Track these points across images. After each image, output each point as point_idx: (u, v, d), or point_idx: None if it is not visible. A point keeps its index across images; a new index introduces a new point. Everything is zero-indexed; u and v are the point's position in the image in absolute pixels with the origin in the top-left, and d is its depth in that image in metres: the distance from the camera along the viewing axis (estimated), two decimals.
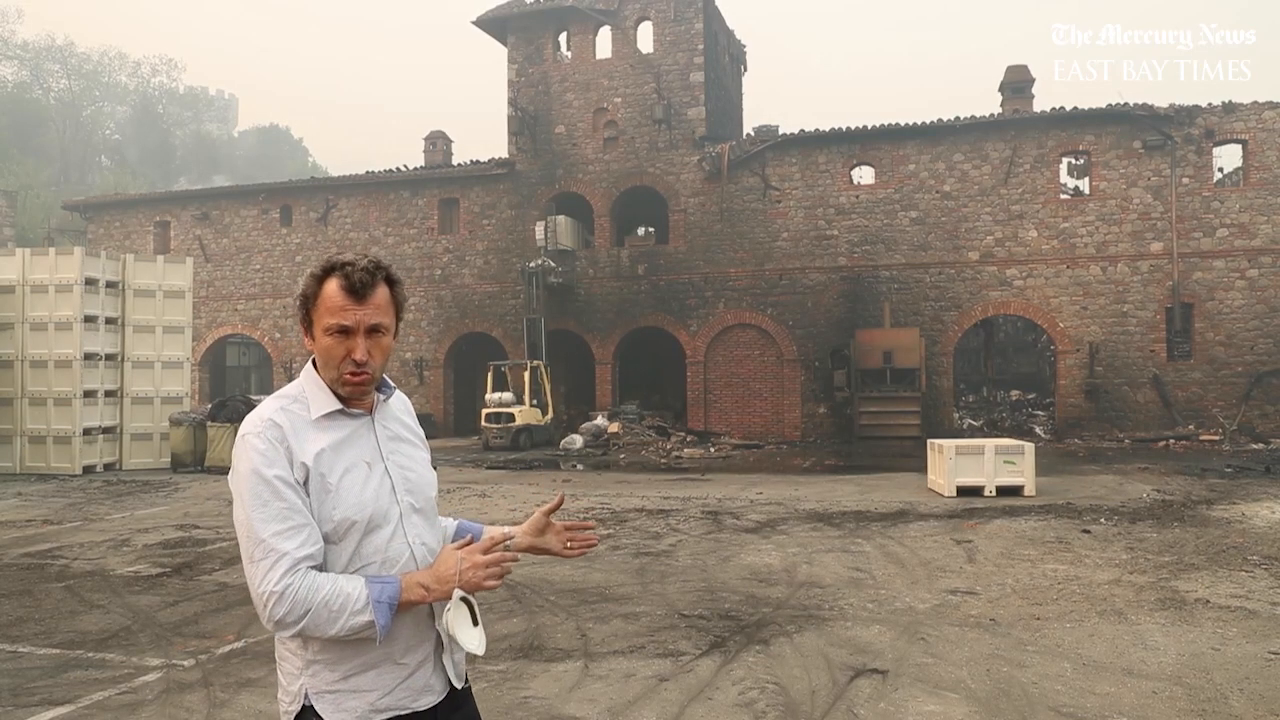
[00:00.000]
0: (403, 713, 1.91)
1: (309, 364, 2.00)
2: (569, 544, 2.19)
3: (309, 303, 1.91)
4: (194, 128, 63.88)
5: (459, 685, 2.02)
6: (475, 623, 1.90)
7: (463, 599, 1.88)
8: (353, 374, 1.90)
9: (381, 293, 1.91)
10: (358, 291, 1.88)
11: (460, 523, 2.25)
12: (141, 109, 57.94)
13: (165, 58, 69.79)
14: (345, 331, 1.88)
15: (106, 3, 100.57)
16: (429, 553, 1.98)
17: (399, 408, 2.11)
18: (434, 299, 25.44)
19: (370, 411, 2.00)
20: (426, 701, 1.94)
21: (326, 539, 1.86)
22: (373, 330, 1.90)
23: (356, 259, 1.91)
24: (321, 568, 1.84)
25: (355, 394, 1.94)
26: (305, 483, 1.85)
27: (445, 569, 1.88)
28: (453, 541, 2.09)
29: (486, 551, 1.93)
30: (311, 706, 1.87)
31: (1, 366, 17.09)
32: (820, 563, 7.96)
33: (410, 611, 1.90)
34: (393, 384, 2.09)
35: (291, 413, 1.91)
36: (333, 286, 1.88)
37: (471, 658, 2.03)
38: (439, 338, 25.46)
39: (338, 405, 1.93)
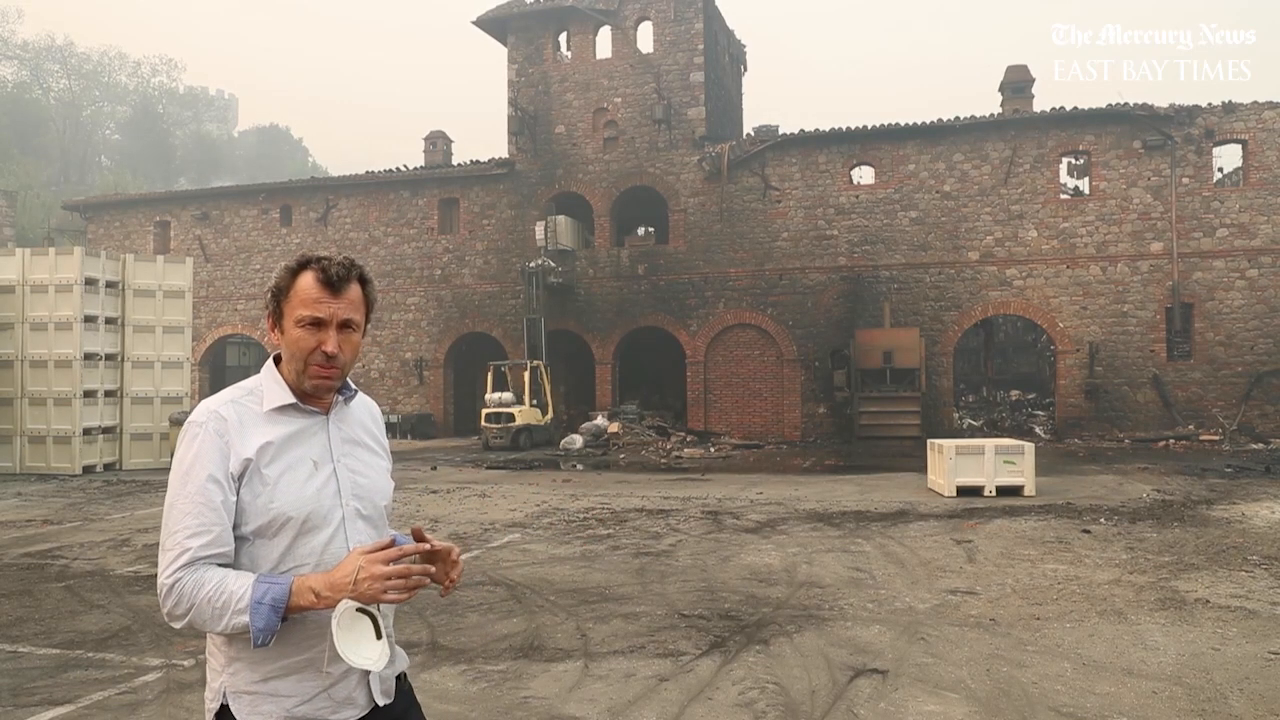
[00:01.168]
0: None
1: (270, 360, 1.97)
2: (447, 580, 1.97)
3: (281, 294, 1.90)
4: (194, 128, 63.88)
5: (382, 702, 1.93)
6: (379, 636, 1.78)
7: (361, 610, 1.74)
8: (321, 366, 1.89)
9: (355, 290, 1.92)
10: (334, 285, 1.87)
11: (398, 536, 2.06)
12: (141, 109, 57.92)
13: (165, 58, 69.81)
14: (318, 324, 1.87)
15: (106, 3, 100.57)
16: None
17: (362, 412, 2.07)
18: (434, 299, 25.44)
19: (327, 412, 1.97)
20: (347, 715, 1.88)
21: (259, 533, 1.83)
22: (344, 325, 1.89)
23: (332, 254, 1.91)
24: (233, 567, 1.81)
25: (321, 388, 1.92)
26: (241, 476, 1.83)
27: (341, 575, 1.75)
28: None
29: (394, 561, 1.78)
30: (228, 706, 1.84)
31: (1, 366, 17.10)
32: (820, 563, 7.96)
33: None
34: (355, 387, 2.06)
35: (241, 405, 1.89)
36: (308, 279, 1.88)
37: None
38: (439, 338, 25.46)
39: (291, 399, 1.91)
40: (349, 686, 1.88)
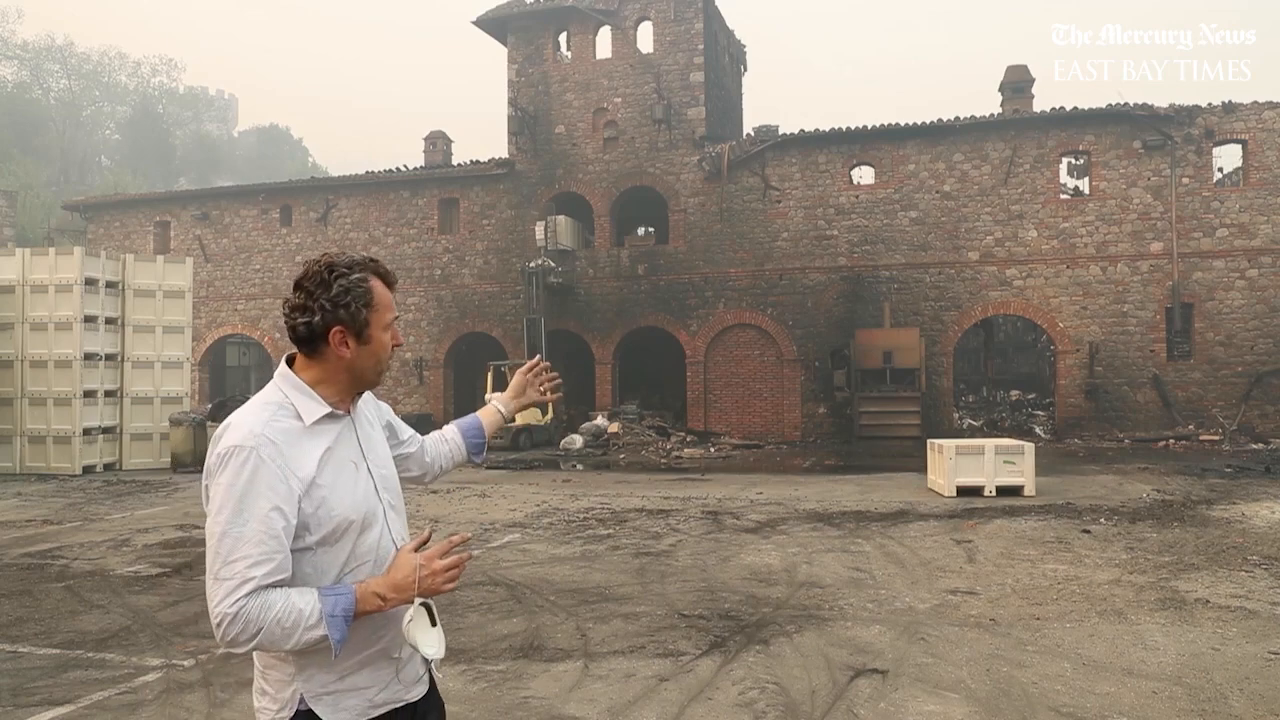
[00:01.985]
0: (397, 705, 1.94)
1: (282, 366, 1.96)
2: (542, 388, 2.55)
3: (368, 305, 1.91)
4: (194, 128, 63.87)
5: (438, 677, 2.10)
6: (434, 624, 1.89)
7: (422, 603, 1.86)
8: (390, 359, 2.01)
9: None
10: (394, 285, 2.01)
11: (458, 424, 2.49)
12: (141, 109, 57.89)
13: (165, 58, 69.81)
14: (394, 322, 1.99)
15: (106, 3, 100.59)
16: None
17: (363, 404, 2.10)
18: (434, 299, 25.44)
19: (349, 413, 2.00)
20: (418, 692, 1.99)
21: (324, 541, 1.85)
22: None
23: (367, 255, 1.99)
24: (297, 577, 1.82)
25: (381, 381, 2.03)
26: (304, 495, 1.82)
27: (402, 576, 1.84)
28: (466, 442, 2.44)
29: (444, 554, 1.89)
30: (309, 710, 1.85)
31: (1, 366, 17.09)
32: (820, 563, 7.96)
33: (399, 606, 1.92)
34: None
35: (281, 422, 1.85)
36: (380, 284, 1.96)
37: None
38: (439, 338, 25.46)
39: (327, 409, 1.92)
40: (416, 665, 2.00)
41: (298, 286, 1.92)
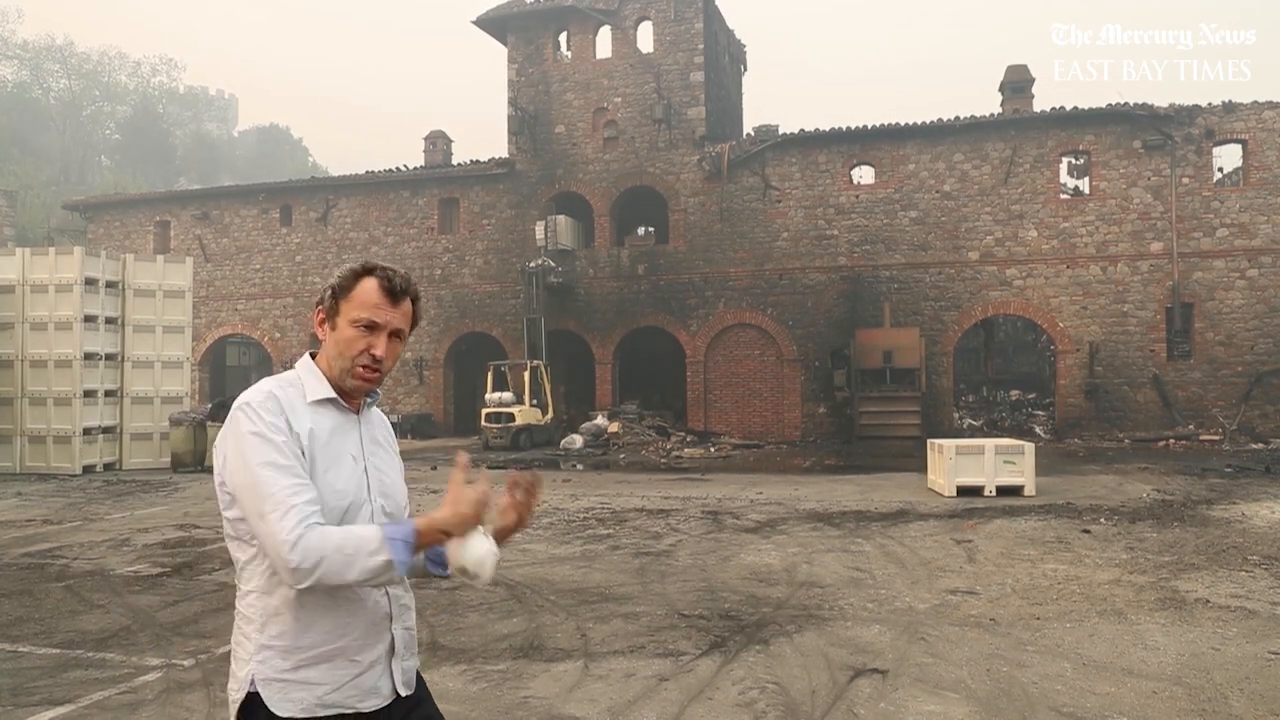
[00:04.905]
0: (347, 711, 1.90)
1: (305, 357, 2.06)
2: (523, 508, 2.08)
3: (341, 293, 1.99)
4: (194, 128, 63.93)
5: (404, 692, 2.00)
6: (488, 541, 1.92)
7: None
8: (366, 368, 1.98)
9: (407, 304, 2.04)
10: (394, 295, 2.00)
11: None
12: (141, 109, 57.90)
13: (165, 58, 69.77)
14: (371, 327, 1.97)
15: (106, 3, 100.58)
16: None
17: (379, 418, 2.16)
18: (434, 299, 25.44)
19: (357, 412, 2.06)
20: (371, 704, 1.93)
21: None
22: (394, 334, 2.01)
23: (394, 267, 2.03)
24: (251, 567, 1.89)
25: (360, 389, 2.01)
26: (304, 448, 1.89)
27: (466, 508, 1.86)
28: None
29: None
30: (258, 693, 1.86)
31: (1, 366, 17.09)
32: (820, 562, 7.96)
33: (366, 611, 1.93)
34: (379, 392, 2.16)
35: (287, 391, 1.95)
36: (371, 284, 1.98)
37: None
38: (439, 338, 25.46)
39: (332, 394, 1.99)
40: (375, 676, 1.95)
41: None
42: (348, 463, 1.97)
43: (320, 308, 2.03)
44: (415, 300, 2.07)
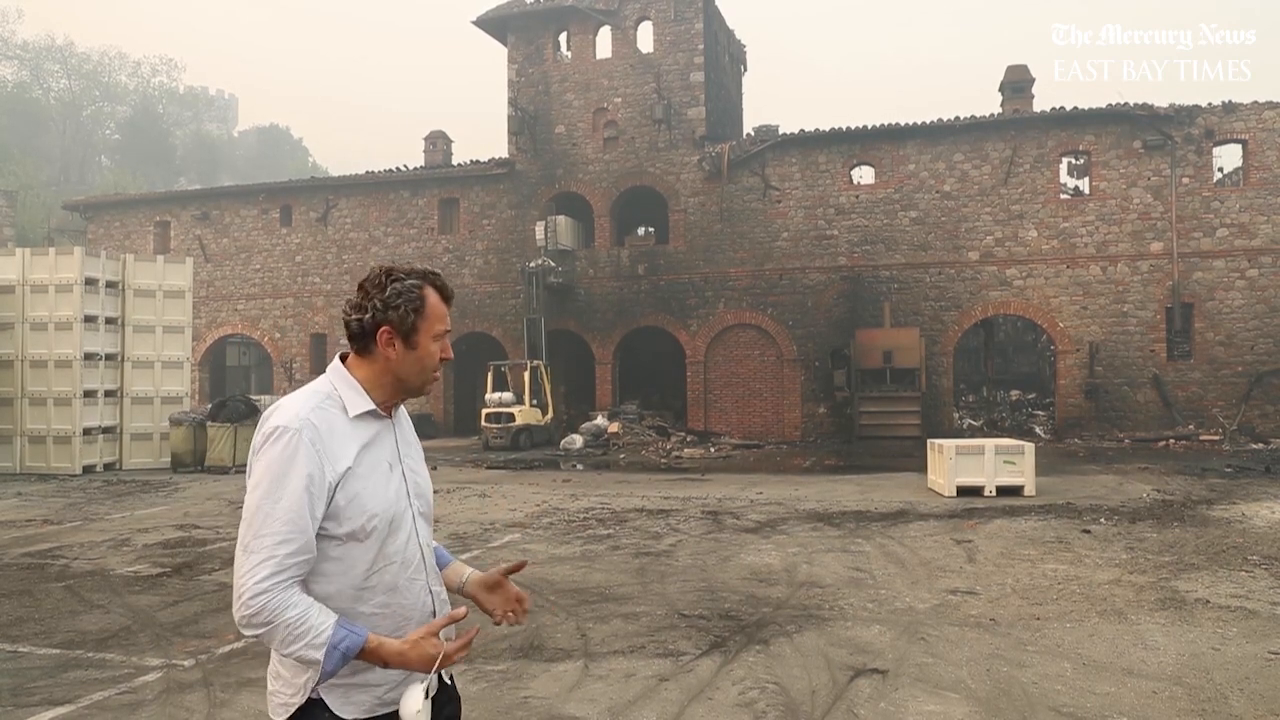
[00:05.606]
0: None
1: (336, 362, 2.03)
2: (508, 613, 2.21)
3: (419, 312, 1.98)
4: (194, 128, 63.91)
5: (448, 680, 2.13)
6: (426, 696, 1.94)
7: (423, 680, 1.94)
8: (437, 371, 2.05)
9: None
10: (450, 300, 2.06)
11: (435, 547, 2.29)
12: (141, 109, 57.89)
13: (165, 58, 69.82)
14: (445, 335, 2.04)
15: (106, 3, 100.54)
16: (431, 554, 2.10)
17: (404, 414, 2.18)
18: None
19: (390, 415, 2.07)
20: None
21: (353, 536, 1.90)
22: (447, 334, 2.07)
23: (430, 269, 2.05)
24: (304, 583, 1.87)
25: (430, 390, 2.06)
26: (338, 484, 1.88)
27: (417, 656, 1.87)
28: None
29: (462, 644, 1.94)
30: (320, 699, 1.90)
31: (1, 366, 17.09)
32: (820, 563, 7.96)
33: (418, 609, 1.99)
34: None
35: (327, 411, 1.93)
36: (434, 295, 2.01)
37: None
38: None
39: (372, 405, 1.99)
40: None
41: (359, 287, 2.01)
42: (383, 472, 1.98)
43: (388, 329, 1.96)
44: None
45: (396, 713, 1.93)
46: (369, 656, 1.85)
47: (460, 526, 10.21)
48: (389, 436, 2.03)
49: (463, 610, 1.98)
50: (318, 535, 1.87)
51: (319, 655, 1.79)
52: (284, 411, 1.91)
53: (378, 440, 1.99)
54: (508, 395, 21.44)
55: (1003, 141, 21.32)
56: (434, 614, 2.02)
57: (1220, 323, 20.14)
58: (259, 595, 1.78)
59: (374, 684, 1.93)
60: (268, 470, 1.85)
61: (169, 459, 17.39)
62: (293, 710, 1.91)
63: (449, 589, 2.24)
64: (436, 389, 25.35)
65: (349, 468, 1.90)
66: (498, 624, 2.21)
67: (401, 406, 2.14)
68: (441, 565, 2.24)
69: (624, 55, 24.00)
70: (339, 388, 1.98)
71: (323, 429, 1.89)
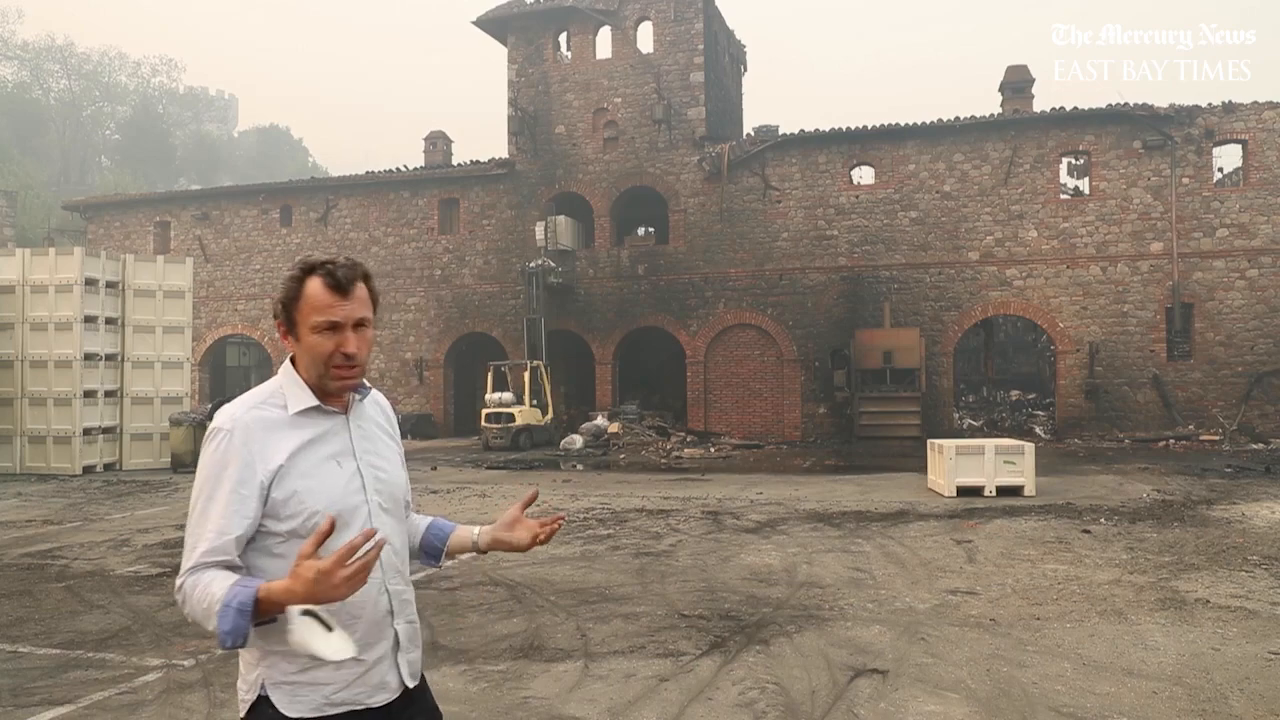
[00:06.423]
0: (356, 707, 1.93)
1: (287, 362, 2.02)
2: (538, 535, 2.21)
3: (292, 303, 1.95)
4: (194, 128, 63.96)
5: (411, 684, 2.03)
6: (329, 629, 1.77)
7: (305, 612, 1.74)
8: (342, 367, 1.95)
9: (361, 288, 1.97)
10: (343, 288, 1.93)
11: (433, 521, 2.33)
12: (141, 109, 57.90)
13: (165, 58, 69.89)
14: (334, 327, 1.93)
15: (106, 3, 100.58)
16: (394, 553, 2.02)
17: (374, 409, 2.13)
18: (434, 299, 25.44)
19: (346, 411, 2.03)
20: (381, 698, 1.96)
21: (294, 533, 1.88)
22: (359, 324, 1.96)
23: (332, 258, 1.96)
24: (235, 568, 1.85)
25: (345, 388, 1.98)
26: (271, 482, 1.88)
27: (300, 584, 1.70)
28: (423, 540, 2.28)
29: (346, 561, 1.70)
30: (267, 696, 1.89)
31: (1, 366, 17.09)
32: (820, 563, 7.96)
33: (369, 608, 1.94)
34: (369, 385, 2.12)
35: (264, 410, 1.94)
36: (316, 285, 1.93)
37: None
38: (439, 338, 25.46)
39: (315, 401, 1.97)
40: (382, 671, 1.97)
41: None
42: (331, 469, 1.95)
43: (278, 321, 1.98)
44: (368, 279, 1.99)
45: (348, 713, 1.90)
46: (267, 606, 1.73)
47: None
48: (341, 433, 1.99)
49: (359, 537, 1.74)
50: (260, 533, 1.88)
51: (214, 623, 1.75)
52: (222, 413, 1.94)
53: (325, 437, 1.97)
54: (508, 395, 21.44)
55: (1003, 142, 21.32)
56: (390, 614, 1.98)
57: (1220, 323, 20.14)
58: (182, 584, 1.83)
59: (322, 682, 1.89)
60: (202, 471, 1.90)
61: (169, 459, 17.38)
62: (248, 707, 1.92)
63: (463, 552, 2.28)
64: (436, 389, 25.37)
65: (281, 465, 1.88)
66: (532, 547, 2.24)
67: (368, 401, 2.09)
68: (445, 535, 2.26)
69: (624, 55, 24.00)
70: (285, 385, 1.98)
71: (256, 428, 1.90)
